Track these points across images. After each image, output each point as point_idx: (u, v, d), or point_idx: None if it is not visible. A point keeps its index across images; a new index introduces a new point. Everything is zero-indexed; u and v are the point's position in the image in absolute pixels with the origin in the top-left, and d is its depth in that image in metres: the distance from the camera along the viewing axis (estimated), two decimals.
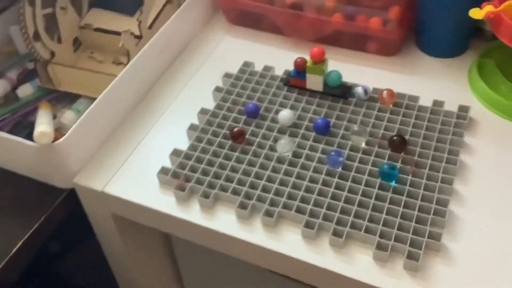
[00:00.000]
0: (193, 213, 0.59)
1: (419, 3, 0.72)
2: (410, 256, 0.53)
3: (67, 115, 0.69)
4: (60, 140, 0.59)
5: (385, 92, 0.66)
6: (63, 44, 0.73)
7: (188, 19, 0.77)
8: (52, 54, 0.71)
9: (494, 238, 0.55)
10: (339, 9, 0.73)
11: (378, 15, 0.71)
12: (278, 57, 0.75)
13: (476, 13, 0.63)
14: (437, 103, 0.66)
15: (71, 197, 0.64)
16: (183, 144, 0.65)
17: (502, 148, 0.63)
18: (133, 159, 0.65)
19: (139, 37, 0.72)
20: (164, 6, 0.77)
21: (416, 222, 0.55)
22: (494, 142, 0.63)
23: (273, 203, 0.58)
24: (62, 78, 0.72)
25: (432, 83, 0.71)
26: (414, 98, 0.67)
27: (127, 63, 0.70)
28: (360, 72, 0.72)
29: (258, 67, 0.73)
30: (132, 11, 0.77)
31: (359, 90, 0.66)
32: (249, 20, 0.80)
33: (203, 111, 0.68)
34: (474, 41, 0.75)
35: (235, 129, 0.63)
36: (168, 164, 0.63)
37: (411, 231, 0.54)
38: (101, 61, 0.75)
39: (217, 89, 0.70)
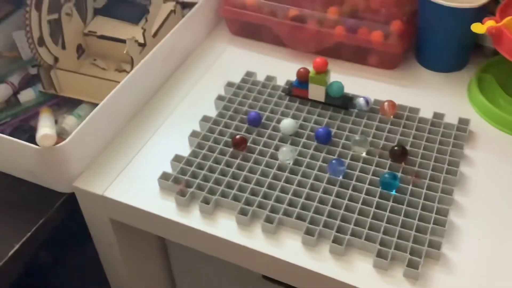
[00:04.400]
0: (194, 219, 0.59)
1: (419, 18, 0.73)
2: (410, 264, 0.53)
3: (68, 120, 0.70)
4: (63, 143, 0.59)
5: (386, 103, 0.66)
6: (67, 50, 0.73)
7: (192, 28, 0.78)
8: (56, 59, 0.72)
9: (492, 248, 0.55)
10: (341, 22, 0.74)
11: (379, 29, 0.72)
12: (279, 67, 0.76)
13: (478, 28, 0.64)
14: (438, 116, 0.67)
15: (70, 201, 0.64)
16: (185, 150, 0.65)
17: (501, 160, 0.63)
18: (134, 164, 0.65)
19: (143, 45, 0.73)
20: (168, 15, 0.78)
21: (416, 231, 0.55)
22: (493, 154, 0.64)
23: (273, 210, 0.58)
24: (65, 84, 0.72)
25: (432, 96, 0.71)
26: (415, 110, 0.68)
27: (131, 70, 0.70)
28: (361, 84, 0.73)
29: (260, 77, 0.74)
30: (136, 20, 0.78)
31: (360, 101, 0.67)
32: (251, 31, 0.81)
33: (205, 119, 0.68)
34: (474, 56, 0.76)
35: (237, 137, 0.63)
36: (169, 170, 0.63)
37: (411, 240, 0.54)
38: (104, 68, 0.76)
39: (220, 98, 0.71)
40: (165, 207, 0.60)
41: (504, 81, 0.70)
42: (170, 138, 0.68)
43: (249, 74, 0.74)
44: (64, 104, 0.74)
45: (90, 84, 0.72)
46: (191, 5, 0.82)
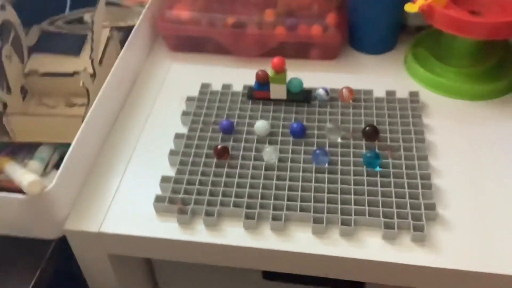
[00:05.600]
0: (200, 234, 0.59)
1: (349, 7, 0.79)
2: (415, 229, 0.57)
3: (33, 165, 0.66)
4: (50, 186, 0.56)
5: (344, 90, 0.71)
6: (12, 94, 0.69)
7: (135, 51, 0.78)
8: (4, 105, 0.68)
9: (476, 197, 0.61)
10: (280, 22, 0.77)
11: (317, 23, 0.77)
12: (230, 75, 0.78)
13: (410, 7, 0.71)
14: (390, 93, 0.73)
15: (60, 246, 0.61)
16: (167, 170, 0.65)
17: (455, 122, 0.70)
18: (121, 194, 0.63)
19: (93, 75, 0.71)
20: (107, 42, 0.77)
21: (410, 198, 0.60)
22: (446, 118, 0.71)
23: (276, 208, 0.60)
24: (19, 129, 0.68)
25: (375, 77, 0.77)
26: (369, 92, 0.73)
27: (88, 103, 0.68)
28: (308, 78, 0.76)
29: (216, 87, 0.75)
30: (75, 51, 0.75)
31: (320, 92, 0.71)
32: (191, 45, 0.82)
33: (178, 136, 0.68)
34: (401, 36, 0.83)
35: (219, 147, 0.64)
36: (158, 191, 0.62)
37: (408, 207, 0.59)
38: (54, 106, 0.73)
39: (184, 113, 0.71)
40: (167, 229, 0.59)
41: (435, 52, 0.77)
42: (148, 160, 0.67)
43: (204, 86, 0.75)
44: (19, 151, 0.70)
45: (47, 125, 0.68)
46: (124, 29, 0.81)
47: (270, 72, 0.70)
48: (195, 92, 0.74)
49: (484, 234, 0.58)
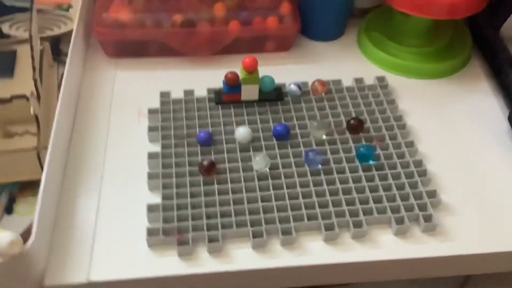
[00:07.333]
0: (206, 263, 0.53)
1: None
2: (425, 220, 0.56)
3: None
4: (30, 242, 0.47)
5: (316, 83, 0.68)
6: None
7: (76, 65, 0.68)
8: None
9: (466, 175, 0.62)
10: (233, 16, 0.72)
11: (272, 14, 0.73)
12: (187, 79, 0.71)
13: None
14: (358, 81, 0.71)
15: None
16: (148, 197, 0.58)
17: (422, 102, 0.70)
18: (101, 232, 0.55)
19: (38, 98, 0.61)
20: (41, 56, 0.67)
21: (410, 188, 0.59)
22: (413, 99, 0.70)
23: (282, 221, 0.56)
24: None
25: (336, 65, 0.74)
26: (338, 82, 0.70)
27: (39, 131, 0.59)
28: (268, 72, 0.72)
29: (176, 95, 0.68)
30: (6, 72, 0.64)
31: (293, 87, 0.67)
32: (132, 49, 0.74)
33: (152, 156, 0.61)
34: (349, 20, 0.81)
35: (205, 162, 0.58)
36: (145, 223, 0.56)
37: (411, 198, 0.58)
38: None
39: (151, 129, 0.64)
40: (167, 264, 0.53)
41: (387, 33, 0.76)
42: (122, 190, 0.59)
43: (164, 95, 0.68)
44: None
45: None
46: (50, 38, 0.72)
47: (240, 72, 0.64)
48: (153, 103, 0.67)
49: (484, 212, 0.58)
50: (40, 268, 0.52)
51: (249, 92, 0.66)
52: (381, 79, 0.71)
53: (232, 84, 0.65)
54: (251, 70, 0.64)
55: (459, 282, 0.76)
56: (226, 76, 0.65)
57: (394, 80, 0.73)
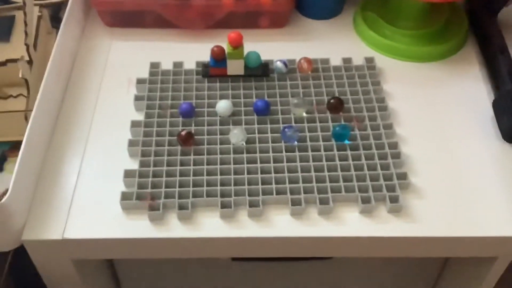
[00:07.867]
0: (175, 229, 0.56)
1: None
2: (391, 200, 0.57)
3: None
4: (8, 195, 0.51)
5: (302, 60, 0.69)
6: None
7: (70, 32, 0.70)
8: None
9: (442, 160, 0.62)
10: None
11: None
12: (178, 51, 0.73)
13: None
14: (346, 61, 0.71)
15: (17, 258, 0.56)
16: (128, 163, 0.61)
17: (409, 85, 0.70)
18: (81, 193, 0.58)
19: (30, 63, 0.64)
20: (38, 23, 0.69)
21: (381, 169, 0.60)
22: (400, 82, 0.70)
23: (251, 193, 0.58)
24: None
25: (328, 44, 0.75)
26: (325, 61, 0.71)
27: (28, 94, 0.62)
28: (260, 48, 0.73)
29: (166, 66, 0.70)
30: (1, 36, 0.67)
31: (279, 64, 0.68)
32: (129, 20, 0.76)
33: (134, 124, 0.63)
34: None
35: (183, 133, 0.61)
36: (122, 188, 0.58)
37: (381, 179, 0.59)
38: None
39: (137, 98, 0.66)
40: (138, 227, 0.56)
41: (382, 14, 0.76)
42: (104, 153, 0.62)
43: (154, 65, 0.70)
44: None
45: None
46: (50, 5, 0.74)
47: (226, 47, 0.66)
48: (143, 73, 0.69)
49: (455, 197, 0.59)
50: (19, 224, 0.55)
51: (235, 67, 0.67)
52: (369, 60, 0.72)
53: (218, 58, 0.67)
54: (236, 45, 0.65)
55: (436, 267, 0.77)
56: (212, 50, 0.66)
57: (385, 62, 0.73)
